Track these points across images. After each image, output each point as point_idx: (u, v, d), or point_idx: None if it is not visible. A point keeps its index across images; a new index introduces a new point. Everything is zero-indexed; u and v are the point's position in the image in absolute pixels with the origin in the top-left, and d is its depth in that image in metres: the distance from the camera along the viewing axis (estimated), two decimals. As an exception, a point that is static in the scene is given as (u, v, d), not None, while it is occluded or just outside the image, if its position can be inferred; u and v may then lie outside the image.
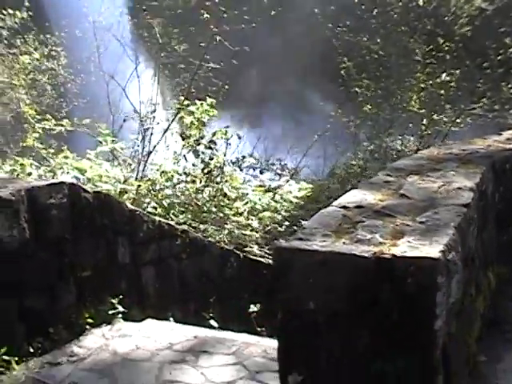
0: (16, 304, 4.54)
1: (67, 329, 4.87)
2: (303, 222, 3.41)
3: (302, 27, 16.39)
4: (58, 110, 13.16)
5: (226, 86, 8.62)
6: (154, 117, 9.94)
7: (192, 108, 7.77)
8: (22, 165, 6.97)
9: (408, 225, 3.22)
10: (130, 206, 5.80)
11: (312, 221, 3.32)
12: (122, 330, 5.09)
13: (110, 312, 5.23)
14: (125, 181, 7.46)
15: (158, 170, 7.68)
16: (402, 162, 5.18)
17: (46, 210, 4.78)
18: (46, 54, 12.41)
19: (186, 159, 8.01)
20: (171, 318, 5.93)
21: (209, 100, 7.79)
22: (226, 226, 7.22)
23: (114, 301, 5.25)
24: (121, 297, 5.28)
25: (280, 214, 7.68)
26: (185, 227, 6.46)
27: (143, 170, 8.17)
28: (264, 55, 10.39)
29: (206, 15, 7.61)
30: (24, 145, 8.76)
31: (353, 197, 3.80)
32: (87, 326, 5.04)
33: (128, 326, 5.19)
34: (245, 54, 9.39)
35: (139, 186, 7.13)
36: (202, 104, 7.79)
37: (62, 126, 9.03)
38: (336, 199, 3.70)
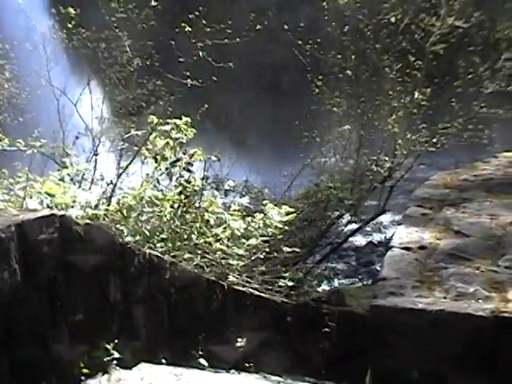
0: (6, 359, 3.93)
1: (61, 382, 4.28)
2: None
3: (272, 44, 16.17)
4: (1, 126, 12.33)
5: (206, 105, 8.10)
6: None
7: (167, 127, 7.22)
8: (-15, 190, 6.27)
9: (495, 271, 2.90)
10: (120, 238, 5.23)
11: (388, 268, 2.93)
12: (122, 380, 4.53)
13: (105, 359, 4.65)
14: (96, 205, 6.85)
15: (131, 195, 7.08)
16: (423, 190, 4.93)
17: (37, 248, 4.19)
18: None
19: (158, 182, 7.46)
20: (163, 360, 5.41)
21: (184, 118, 7.27)
22: (210, 255, 6.71)
23: (108, 346, 4.68)
24: (116, 341, 4.72)
25: (266, 240, 7.22)
26: (171, 259, 5.93)
27: (112, 194, 7.57)
28: (234, 72, 10.01)
29: (187, 28, 7.11)
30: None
31: (407, 235, 3.49)
32: (82, 377, 4.45)
33: (126, 374, 4.64)
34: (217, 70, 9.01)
35: (118, 211, 6.54)
36: (175, 123, 7.27)
37: (16, 146, 8.34)
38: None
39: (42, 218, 4.26)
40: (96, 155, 10.75)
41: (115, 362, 4.72)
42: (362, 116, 11.79)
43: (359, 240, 20.74)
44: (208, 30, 7.10)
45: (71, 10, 10.45)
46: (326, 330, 8.00)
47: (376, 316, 2.49)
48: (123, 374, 4.60)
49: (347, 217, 12.12)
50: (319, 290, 11.88)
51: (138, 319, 5.34)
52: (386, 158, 11.35)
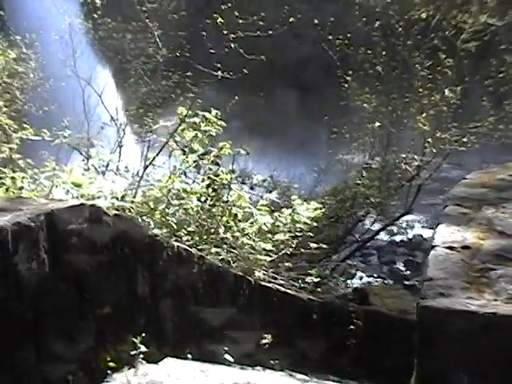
0: (33, 352, 3.85)
1: (88, 375, 4.20)
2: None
3: (296, 41, 15.98)
4: (26, 116, 12.31)
5: (236, 97, 7.96)
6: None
7: (196, 120, 7.12)
8: (12, 178, 6.21)
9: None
10: (149, 230, 5.14)
11: (433, 268, 2.81)
12: (149, 375, 4.43)
13: (132, 353, 4.57)
14: (122, 197, 6.76)
15: (157, 187, 7.00)
16: (461, 189, 4.79)
17: (66, 238, 4.11)
18: (16, 56, 11.53)
19: (185, 175, 7.37)
20: (189, 355, 5.32)
21: (214, 111, 7.16)
22: (236, 249, 6.61)
23: (135, 340, 4.59)
24: (143, 335, 4.63)
25: (294, 236, 7.10)
26: (199, 253, 5.83)
27: (138, 186, 7.49)
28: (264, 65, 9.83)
29: (219, 19, 6.97)
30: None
31: (449, 234, 3.37)
32: (108, 371, 4.37)
33: (154, 369, 4.55)
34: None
35: (144, 203, 6.46)
36: (204, 116, 7.17)
37: (41, 135, 8.31)
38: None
39: (71, 207, 4.18)
40: (120, 146, 10.70)
41: (142, 356, 4.64)
42: (392, 113, 11.60)
43: (381, 238, 20.59)
44: (240, 21, 6.97)
45: (97, 0, 10.38)
46: (352, 327, 7.89)
47: (425, 317, 2.38)
48: (150, 369, 4.51)
49: (373, 215, 11.95)
50: (343, 287, 11.77)
51: (165, 313, 5.25)
52: (415, 157, 11.16)
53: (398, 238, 20.30)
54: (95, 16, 10.79)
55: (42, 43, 12.55)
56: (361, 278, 16.87)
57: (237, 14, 7.01)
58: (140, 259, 4.87)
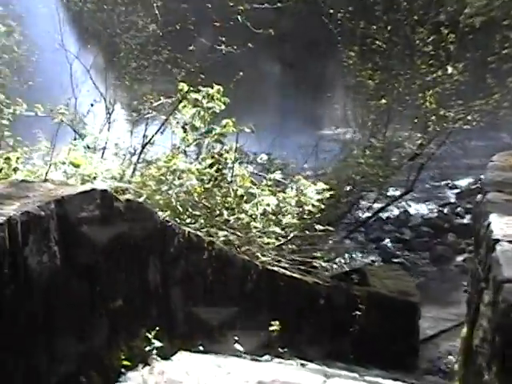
0: (45, 349, 3.53)
1: (101, 375, 3.88)
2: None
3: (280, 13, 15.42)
4: (8, 90, 11.77)
5: (241, 73, 7.56)
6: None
7: (197, 96, 6.75)
8: (7, 159, 5.81)
9: None
10: (160, 215, 4.80)
11: (507, 267, 2.53)
12: (166, 373, 4.13)
13: (146, 349, 4.26)
14: (121, 177, 6.41)
15: (157, 167, 6.64)
16: (494, 173, 4.54)
17: (78, 227, 3.76)
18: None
19: (186, 154, 7.02)
20: (201, 347, 5.04)
21: (216, 87, 6.79)
22: (242, 232, 6.31)
23: (149, 335, 4.29)
24: (157, 329, 4.32)
25: (303, 218, 6.80)
26: (208, 238, 5.52)
27: (136, 165, 7.13)
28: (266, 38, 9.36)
29: None
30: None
31: (507, 226, 3.09)
32: (122, 369, 4.06)
33: (169, 366, 4.25)
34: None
35: (144, 183, 6.11)
36: (207, 92, 6.80)
37: (35, 111, 7.90)
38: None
39: (82, 193, 3.83)
40: (109, 123, 10.31)
41: (155, 351, 4.34)
42: (393, 90, 11.27)
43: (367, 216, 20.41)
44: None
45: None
46: (357, 313, 7.66)
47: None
48: (166, 366, 4.22)
49: (372, 193, 11.70)
50: (339, 267, 11.56)
51: (175, 303, 4.95)
52: (418, 135, 10.88)
53: (384, 215, 20.09)
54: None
55: (29, 16, 12.00)
56: (351, 257, 16.65)
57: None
58: (151, 247, 4.56)
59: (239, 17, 6.50)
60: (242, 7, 6.39)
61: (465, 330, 3.56)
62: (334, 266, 11.36)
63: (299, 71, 21.44)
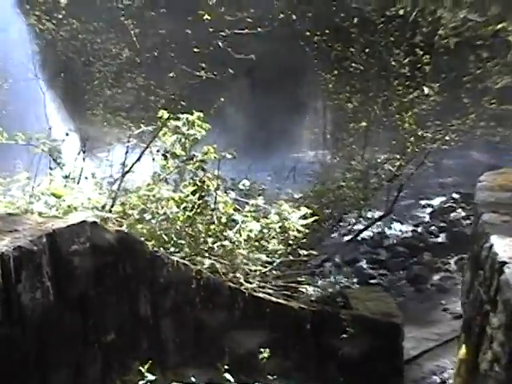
0: (40, 386, 3.45)
1: (95, 412, 3.80)
2: None
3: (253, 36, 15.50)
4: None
5: (222, 99, 7.50)
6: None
7: (177, 123, 6.71)
8: (-14, 191, 5.70)
9: None
10: (149, 246, 4.74)
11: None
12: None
13: (140, 382, 4.17)
14: (103, 207, 6.31)
15: (138, 196, 6.57)
16: (485, 194, 4.57)
17: (69, 261, 3.70)
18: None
19: (167, 182, 6.96)
20: (193, 378, 4.95)
21: (196, 113, 6.76)
22: (227, 259, 6.25)
23: (141, 368, 4.20)
24: (150, 362, 4.24)
25: (288, 244, 6.77)
26: (195, 267, 5.46)
27: (116, 194, 7.03)
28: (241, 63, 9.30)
29: (206, 16, 6.52)
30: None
31: (510, 247, 3.11)
32: (117, 407, 3.97)
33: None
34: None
35: (124, 213, 6.03)
36: (187, 119, 6.77)
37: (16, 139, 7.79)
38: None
39: (73, 225, 3.77)
40: (84, 152, 10.21)
41: (148, 384, 4.25)
42: (371, 112, 11.33)
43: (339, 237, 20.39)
44: (229, 18, 6.54)
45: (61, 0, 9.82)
46: (344, 336, 7.61)
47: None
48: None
49: (352, 215, 11.69)
50: (319, 290, 11.49)
51: (166, 333, 4.87)
52: (397, 156, 10.93)
53: (359, 236, 20.07)
54: (59, 16, 10.20)
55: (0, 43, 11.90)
56: (326, 280, 16.58)
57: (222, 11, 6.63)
58: (142, 278, 4.49)
59: (220, 42, 6.45)
60: (223, 33, 6.36)
61: (462, 351, 3.55)
62: (317, 289, 11.31)
63: (275, 94, 21.48)
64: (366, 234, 19.87)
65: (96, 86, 11.17)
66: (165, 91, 10.51)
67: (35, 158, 9.33)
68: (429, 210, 21.30)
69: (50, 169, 8.83)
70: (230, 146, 7.80)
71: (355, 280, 17.97)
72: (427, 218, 20.71)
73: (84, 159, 10.01)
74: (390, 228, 19.99)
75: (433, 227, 19.79)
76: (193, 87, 6.34)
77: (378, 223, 18.58)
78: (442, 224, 19.89)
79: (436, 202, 21.64)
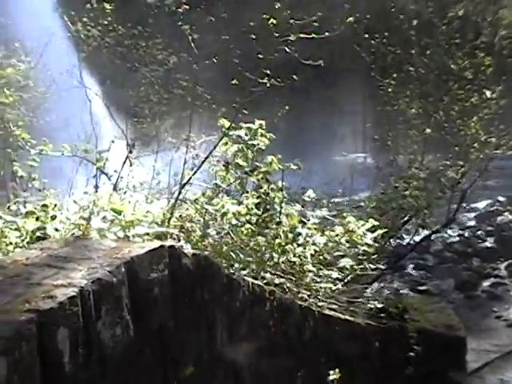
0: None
1: None
2: None
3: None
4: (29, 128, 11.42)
5: (287, 107, 7.12)
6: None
7: (240, 132, 6.39)
8: (44, 206, 5.39)
9: None
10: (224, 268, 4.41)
11: None
12: None
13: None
14: (162, 221, 5.99)
15: (199, 208, 6.25)
16: None
17: (149, 290, 3.37)
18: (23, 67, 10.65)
19: (227, 194, 6.62)
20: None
21: (258, 122, 6.43)
22: (296, 276, 5.89)
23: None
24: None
25: (359, 259, 6.39)
26: (268, 287, 5.11)
27: (174, 207, 6.71)
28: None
29: (271, 20, 6.19)
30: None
31: None
32: None
33: None
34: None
35: (182, 227, 5.72)
36: (249, 128, 6.43)
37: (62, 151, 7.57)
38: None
39: (151, 251, 3.44)
40: (130, 160, 9.94)
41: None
42: (431, 117, 10.88)
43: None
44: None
45: (107, 6, 9.55)
46: (411, 354, 7.23)
47: None
48: None
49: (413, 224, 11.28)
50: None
51: (241, 361, 4.53)
52: (460, 163, 10.48)
53: (404, 242, 19.61)
54: (105, 22, 9.96)
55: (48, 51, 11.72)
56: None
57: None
58: (218, 303, 4.15)
59: (287, 48, 6.12)
60: (290, 38, 6.02)
61: None
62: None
63: (325, 100, 21.06)
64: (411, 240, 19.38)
65: (142, 91, 10.93)
66: (226, 98, 10.15)
67: (80, 166, 9.05)
68: (474, 213, 20.71)
69: (95, 178, 8.52)
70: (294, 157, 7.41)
71: (404, 286, 17.49)
72: (473, 222, 20.13)
73: (131, 166, 9.74)
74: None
75: (480, 231, 19.23)
76: (257, 94, 6.06)
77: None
78: (489, 228, 19.36)
79: (481, 205, 21.07)
